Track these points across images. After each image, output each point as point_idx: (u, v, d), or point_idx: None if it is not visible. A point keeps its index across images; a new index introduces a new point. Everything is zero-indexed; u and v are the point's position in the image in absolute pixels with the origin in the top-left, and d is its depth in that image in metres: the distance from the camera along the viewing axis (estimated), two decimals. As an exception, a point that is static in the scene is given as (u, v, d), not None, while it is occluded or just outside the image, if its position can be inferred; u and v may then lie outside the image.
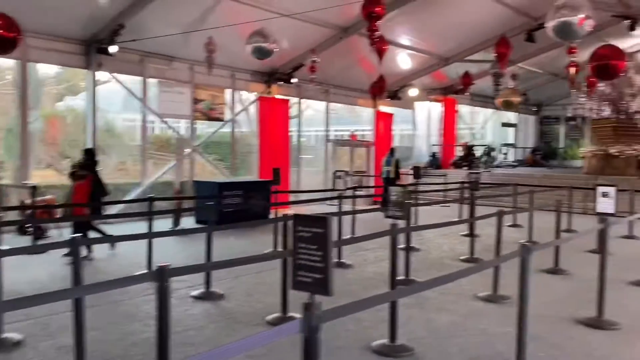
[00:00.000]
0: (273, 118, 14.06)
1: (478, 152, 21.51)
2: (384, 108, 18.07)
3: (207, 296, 5.92)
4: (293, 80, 13.82)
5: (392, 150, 14.55)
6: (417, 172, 13.55)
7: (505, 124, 25.64)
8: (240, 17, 10.46)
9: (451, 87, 20.40)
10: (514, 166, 23.76)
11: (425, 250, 9.12)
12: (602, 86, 17.60)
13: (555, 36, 7.67)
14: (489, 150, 22.79)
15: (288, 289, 5.20)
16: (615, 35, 18.84)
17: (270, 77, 13.96)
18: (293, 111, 15.25)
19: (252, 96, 14.28)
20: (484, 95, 23.16)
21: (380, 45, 9.61)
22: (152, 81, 12.23)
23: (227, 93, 13.78)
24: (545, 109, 27.16)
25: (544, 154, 25.58)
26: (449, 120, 21.05)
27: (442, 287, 5.60)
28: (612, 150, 16.79)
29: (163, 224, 10.24)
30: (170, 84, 12.48)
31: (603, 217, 5.26)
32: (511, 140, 26.34)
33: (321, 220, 1.90)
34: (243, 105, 14.39)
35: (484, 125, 24.13)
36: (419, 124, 20.56)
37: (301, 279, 1.96)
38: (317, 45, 12.70)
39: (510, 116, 26.41)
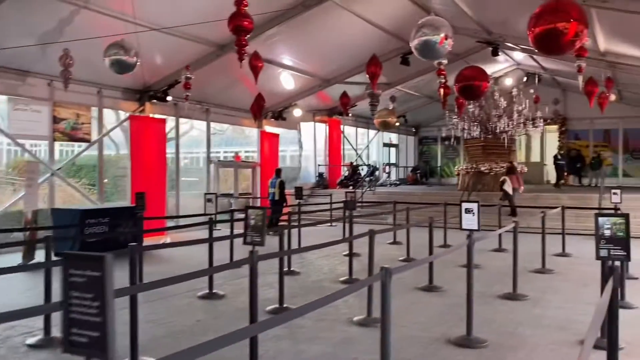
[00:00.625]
0: (147, 138, 13.15)
1: (363, 171, 21.96)
2: (269, 128, 17.81)
3: (47, 344, 5.08)
4: (169, 99, 13.07)
5: (277, 172, 14.26)
6: (299, 192, 13.36)
7: (386, 144, 26.54)
8: (105, 29, 9.63)
9: (335, 108, 20.77)
10: (397, 184, 24.60)
11: (305, 274, 8.82)
12: (471, 108, 18.81)
13: (418, 55, 7.85)
14: (373, 169, 23.39)
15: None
16: (481, 61, 20.32)
17: (143, 94, 13.10)
18: (171, 131, 14.45)
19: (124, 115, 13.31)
20: (366, 117, 23.85)
21: (254, 62, 9.28)
22: (1, 98, 10.89)
23: (95, 111, 12.68)
24: (424, 130, 28.61)
25: (423, 172, 26.79)
26: (335, 140, 21.30)
27: (319, 312, 5.31)
28: (482, 167, 17.87)
29: (13, 258, 9.00)
30: (25, 102, 11.20)
31: (468, 233, 5.27)
32: (393, 160, 27.31)
33: (96, 261, 1.43)
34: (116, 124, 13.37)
35: (368, 146, 24.75)
36: (306, 144, 20.54)
37: (75, 339, 1.47)
38: (192, 62, 12.11)
39: (392, 137, 27.46)
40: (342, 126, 21.91)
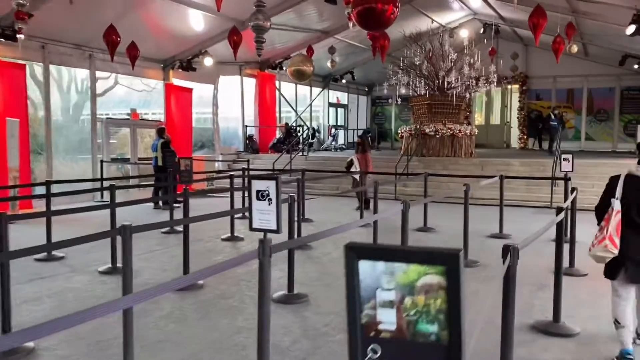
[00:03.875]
0: None
1: (303, 134, 19.49)
2: (178, 81, 15.14)
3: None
4: (20, 37, 10.27)
5: (158, 131, 11.67)
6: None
7: (333, 105, 24.08)
8: None
9: (268, 60, 18.17)
10: (342, 149, 22.30)
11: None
12: (418, 61, 16.42)
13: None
14: (313, 131, 21.02)
15: None
16: (434, 8, 17.88)
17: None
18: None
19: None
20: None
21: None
22: None
23: None
24: (378, 89, 26.17)
25: (373, 136, 24.50)
26: (267, 98, 18.73)
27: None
28: (427, 129, 15.64)
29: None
30: None
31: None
32: (341, 122, 24.94)
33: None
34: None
35: (310, 105, 22.21)
36: (231, 102, 17.93)
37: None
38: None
39: (342, 96, 24.99)
40: (277, 82, 19.32)
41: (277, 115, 19.90)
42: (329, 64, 17.92)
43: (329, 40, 17.73)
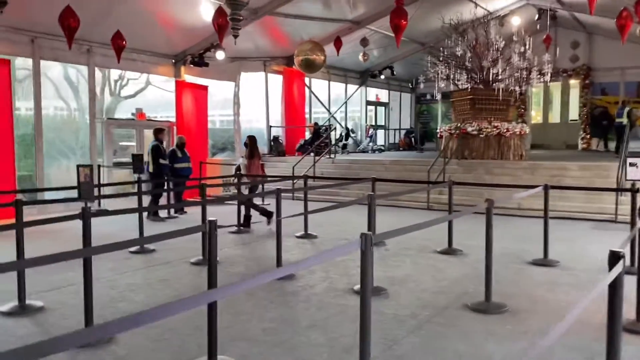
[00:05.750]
0: None
1: (331, 134, 17.92)
2: (191, 78, 13.95)
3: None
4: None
5: (155, 132, 10.33)
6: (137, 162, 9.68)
7: (371, 103, 22.34)
8: None
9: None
10: (381, 151, 20.57)
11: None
12: (459, 51, 14.49)
13: None
14: (347, 132, 19.43)
15: None
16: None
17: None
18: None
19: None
20: (343, 68, 19.70)
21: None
22: None
23: None
24: (425, 85, 24.15)
25: (417, 136, 22.59)
26: (295, 96, 17.30)
27: None
28: (469, 128, 13.70)
29: None
30: None
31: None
32: (381, 122, 23.18)
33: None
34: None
35: (346, 104, 20.56)
36: (254, 101, 16.62)
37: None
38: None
39: (381, 94, 23.22)
40: (307, 79, 17.86)
41: (308, 115, 18.44)
42: (360, 58, 16.30)
43: (361, 32, 16.12)
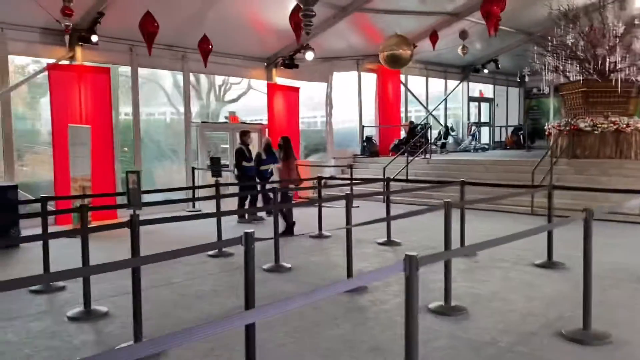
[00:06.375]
0: (69, 93, 9.96)
1: (427, 133, 17.09)
2: (282, 80, 13.95)
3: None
4: (94, 39, 9.82)
5: (240, 135, 10.29)
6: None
7: (474, 99, 21.08)
8: None
9: (391, 53, 16.17)
10: (485, 150, 19.35)
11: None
12: (570, 39, 13.09)
13: None
14: (447, 130, 18.48)
15: None
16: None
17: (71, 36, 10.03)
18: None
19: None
20: (443, 64, 18.77)
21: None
22: None
23: None
24: (533, 79, 22.39)
25: (525, 134, 20.95)
26: (390, 95, 16.75)
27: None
28: (582, 124, 12.32)
29: None
30: None
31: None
32: (485, 119, 21.80)
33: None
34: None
35: (446, 100, 19.54)
36: (346, 100, 16.29)
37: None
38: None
39: (486, 89, 21.85)
40: (403, 76, 17.22)
41: (404, 113, 17.79)
42: (459, 52, 15.37)
43: (460, 24, 15.19)
